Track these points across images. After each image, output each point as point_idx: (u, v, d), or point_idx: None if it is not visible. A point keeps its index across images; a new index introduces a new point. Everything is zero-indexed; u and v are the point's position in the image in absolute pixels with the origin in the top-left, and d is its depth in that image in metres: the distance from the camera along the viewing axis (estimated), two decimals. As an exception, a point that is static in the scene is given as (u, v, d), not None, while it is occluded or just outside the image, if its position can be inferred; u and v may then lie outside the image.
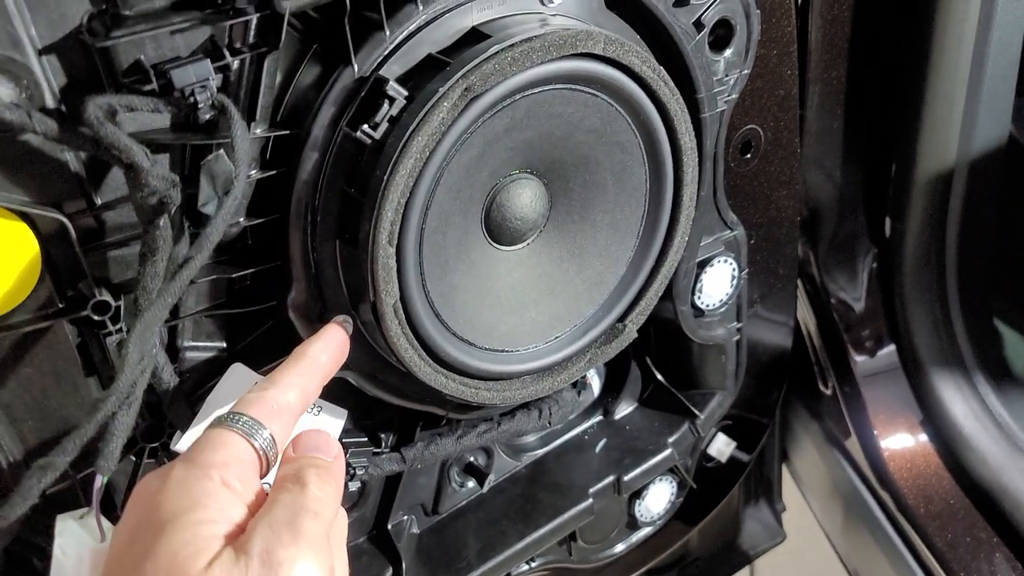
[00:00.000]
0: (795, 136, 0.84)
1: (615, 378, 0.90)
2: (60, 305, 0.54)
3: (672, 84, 0.64)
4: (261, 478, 0.48)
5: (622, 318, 0.72)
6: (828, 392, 1.15)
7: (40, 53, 0.49)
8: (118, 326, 0.56)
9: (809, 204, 1.03)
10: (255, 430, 0.48)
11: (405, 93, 0.55)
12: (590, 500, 0.83)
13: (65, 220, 0.52)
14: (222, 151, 0.52)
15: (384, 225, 0.55)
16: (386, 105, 0.54)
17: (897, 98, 0.98)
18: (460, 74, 0.54)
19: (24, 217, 0.51)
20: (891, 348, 1.11)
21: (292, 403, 0.51)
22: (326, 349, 0.55)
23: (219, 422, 0.48)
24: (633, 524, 0.94)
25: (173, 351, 0.60)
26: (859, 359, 1.10)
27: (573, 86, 0.60)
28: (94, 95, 0.48)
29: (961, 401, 1.07)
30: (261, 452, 0.48)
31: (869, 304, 1.10)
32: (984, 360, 1.07)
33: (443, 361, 0.63)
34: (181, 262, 0.50)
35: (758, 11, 0.71)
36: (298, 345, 0.55)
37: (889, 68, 0.97)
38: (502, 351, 0.67)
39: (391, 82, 0.54)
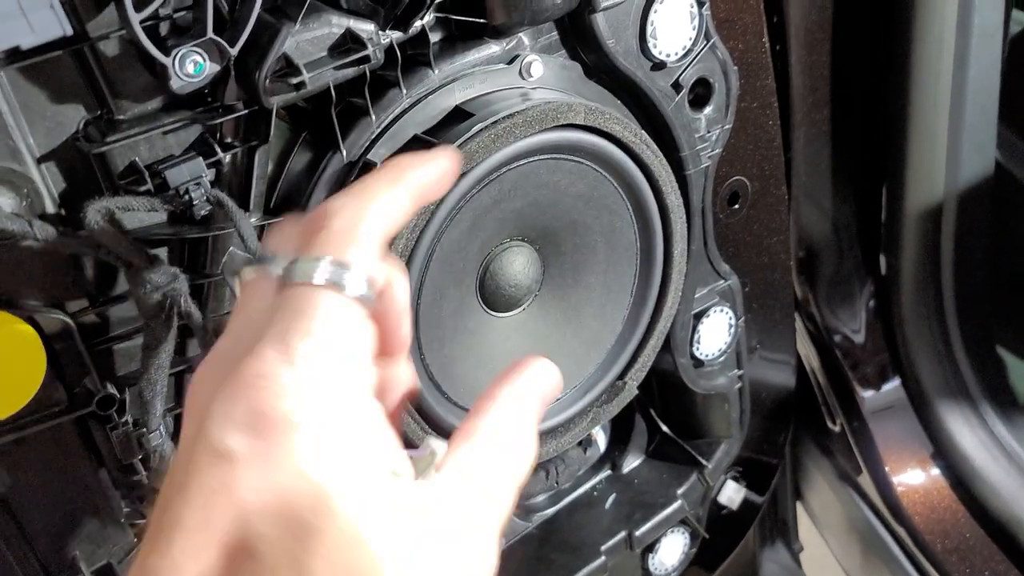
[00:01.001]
0: (782, 183, 0.85)
1: (621, 432, 0.91)
2: (66, 403, 0.55)
3: (654, 146, 0.65)
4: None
5: (622, 375, 0.72)
6: (837, 429, 1.14)
7: (39, 161, 0.51)
8: (124, 418, 0.56)
9: (804, 244, 1.04)
10: (343, 276, 0.33)
11: (393, 175, 0.56)
12: (603, 558, 0.83)
13: (69, 320, 0.53)
14: (233, 248, 0.53)
15: (380, 304, 0.56)
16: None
17: (882, 135, 0.99)
18: (446, 154, 0.56)
19: (28, 320, 0.52)
20: (896, 383, 1.11)
21: (382, 221, 0.36)
22: (427, 163, 0.39)
23: (288, 274, 0.34)
24: (648, 578, 0.93)
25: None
26: (865, 395, 1.10)
27: (557, 155, 0.62)
28: (92, 200, 0.49)
29: (969, 433, 1.06)
30: (361, 300, 0.34)
31: (871, 340, 1.10)
32: (989, 389, 1.07)
33: (445, 432, 0.64)
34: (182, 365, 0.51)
35: (735, 67, 0.73)
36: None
37: (871, 106, 0.99)
38: (504, 417, 0.67)
39: (379, 165, 0.56)
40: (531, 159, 0.60)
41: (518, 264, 0.65)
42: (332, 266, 0.34)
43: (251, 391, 0.31)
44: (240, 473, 0.31)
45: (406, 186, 0.38)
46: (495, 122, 0.57)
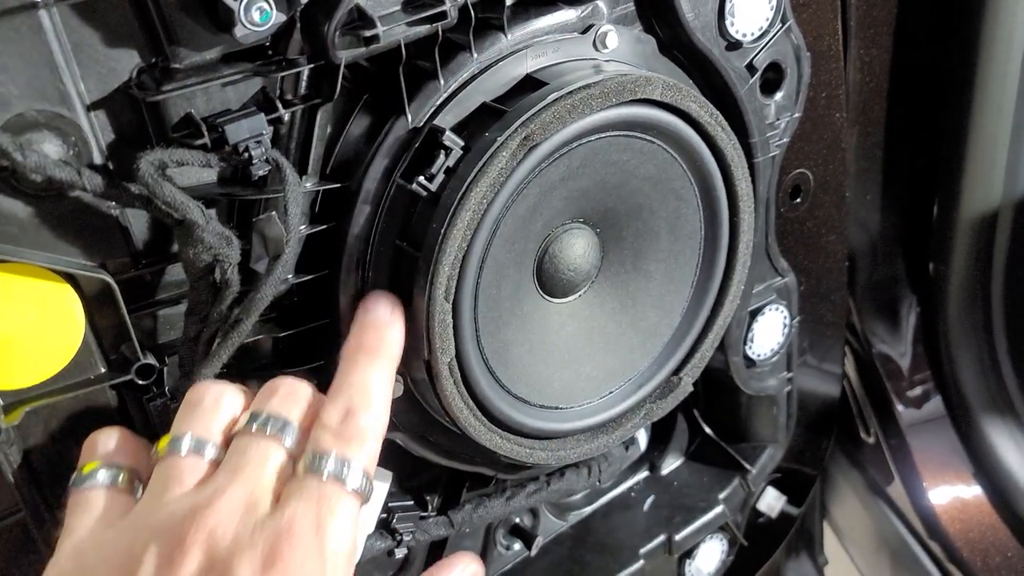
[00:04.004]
0: (843, 180, 0.82)
1: (661, 432, 0.87)
2: (103, 370, 0.52)
3: (729, 129, 0.62)
4: None
5: (677, 371, 0.69)
6: (871, 441, 1.11)
7: (89, 109, 0.47)
8: (163, 389, 0.53)
9: (847, 249, 1.01)
10: (344, 472, 0.44)
11: (462, 143, 0.53)
12: (641, 562, 0.80)
13: (111, 280, 0.50)
14: (274, 213, 0.50)
15: (441, 280, 0.52)
16: (442, 156, 0.52)
17: (939, 137, 0.96)
18: (519, 122, 0.52)
19: (68, 278, 0.49)
20: (936, 395, 1.07)
21: (382, 427, 0.48)
22: (391, 341, 0.51)
23: (315, 469, 0.44)
24: (683, 585, 0.90)
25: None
26: (903, 407, 1.07)
27: (630, 133, 0.58)
28: (146, 151, 0.46)
29: (1014, 449, 1.03)
30: (357, 495, 0.45)
31: (912, 350, 1.07)
32: (1036, 406, 1.04)
33: (497, 420, 0.60)
34: (232, 323, 0.48)
35: (808, 54, 0.70)
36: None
37: (930, 107, 0.95)
38: (556, 408, 0.64)
39: (447, 132, 0.52)
40: (604, 135, 0.57)
41: (578, 247, 0.61)
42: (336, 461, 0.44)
43: None
44: None
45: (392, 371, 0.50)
46: (571, 92, 0.54)
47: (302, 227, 0.54)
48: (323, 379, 0.59)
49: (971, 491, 1.04)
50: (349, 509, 0.44)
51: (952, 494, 1.04)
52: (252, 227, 0.50)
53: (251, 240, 0.52)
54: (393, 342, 0.49)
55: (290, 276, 0.55)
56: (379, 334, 0.49)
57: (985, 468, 1.04)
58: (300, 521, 0.41)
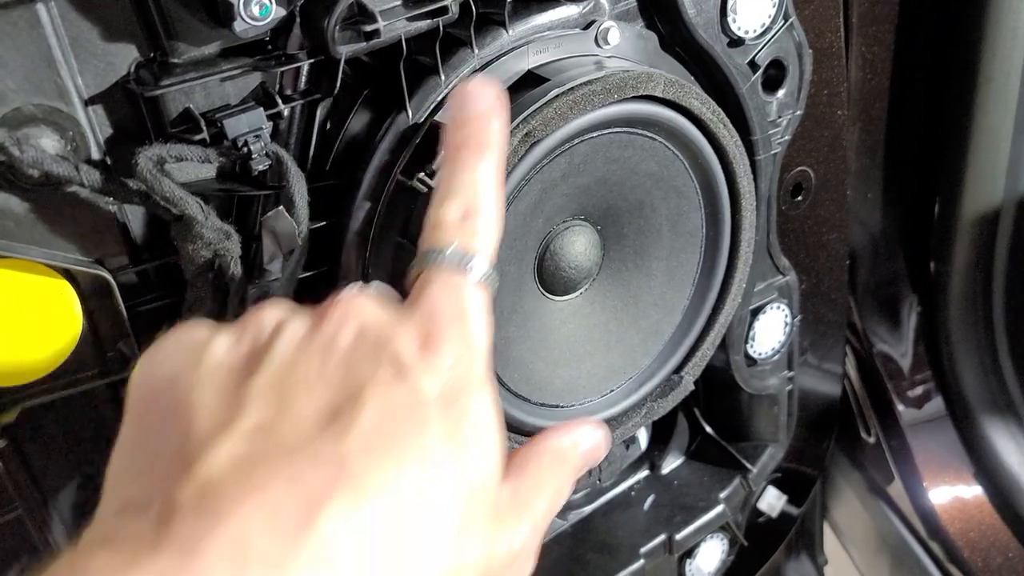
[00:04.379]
0: (845, 178, 0.81)
1: (662, 431, 0.87)
2: (99, 367, 0.51)
3: (731, 126, 0.61)
4: None
5: (678, 369, 0.68)
6: (871, 441, 1.11)
7: (87, 103, 0.47)
8: (160, 387, 0.53)
9: (848, 248, 1.01)
10: (468, 262, 0.39)
11: (462, 139, 0.52)
12: (642, 561, 0.79)
13: (108, 276, 0.49)
14: (282, 208, 0.49)
15: (441, 277, 0.52)
16: (442, 152, 0.52)
17: (940, 136, 0.96)
18: (521, 119, 0.52)
19: (65, 274, 0.49)
20: (937, 395, 1.07)
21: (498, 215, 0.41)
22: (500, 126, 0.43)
23: (455, 265, 0.39)
24: (682, 585, 0.89)
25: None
26: (904, 407, 1.06)
27: (631, 129, 0.58)
28: (144, 146, 0.46)
29: (1015, 449, 1.03)
30: (482, 284, 0.39)
31: (913, 350, 1.07)
32: (1037, 405, 1.03)
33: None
34: None
35: (810, 51, 0.69)
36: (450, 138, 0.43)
37: (931, 106, 0.95)
38: (557, 406, 0.63)
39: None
40: (605, 131, 0.56)
41: (579, 245, 0.61)
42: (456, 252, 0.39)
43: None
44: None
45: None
46: (572, 88, 0.53)
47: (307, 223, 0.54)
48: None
49: (972, 491, 1.04)
50: (482, 301, 0.39)
51: (953, 494, 1.04)
52: (261, 226, 0.50)
53: (250, 236, 0.52)
54: (499, 132, 0.43)
55: (299, 273, 0.55)
56: (483, 126, 0.42)
57: (986, 468, 1.03)
58: (441, 307, 0.37)
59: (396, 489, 0.32)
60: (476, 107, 0.42)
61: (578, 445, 0.41)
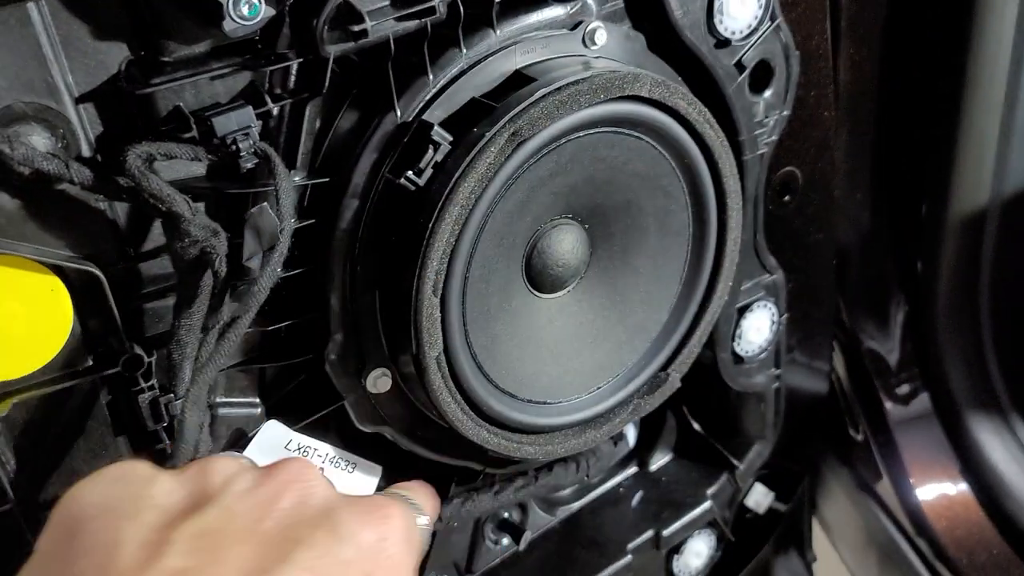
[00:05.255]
0: (832, 178, 0.82)
1: (650, 428, 0.87)
2: (90, 362, 0.52)
3: (717, 126, 0.62)
4: None
5: (665, 366, 0.69)
6: (859, 438, 1.12)
7: (77, 101, 0.47)
8: (150, 383, 0.53)
9: (836, 247, 1.02)
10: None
11: (450, 138, 0.53)
12: (629, 557, 0.80)
13: (99, 272, 0.50)
14: (266, 204, 0.50)
15: (429, 275, 0.53)
16: (431, 151, 0.53)
17: (928, 137, 0.97)
18: (507, 118, 0.52)
19: (56, 270, 0.49)
20: (924, 393, 1.08)
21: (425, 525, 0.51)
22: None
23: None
24: (670, 580, 0.90)
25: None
26: (891, 404, 1.07)
27: (618, 129, 0.58)
28: (133, 144, 0.46)
29: (1000, 446, 1.04)
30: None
31: (900, 349, 1.08)
32: (1022, 405, 1.04)
33: (485, 415, 0.60)
34: (228, 321, 0.48)
35: (797, 52, 0.70)
36: None
37: (919, 107, 0.96)
38: (544, 403, 0.64)
39: (436, 127, 0.53)
40: (592, 131, 0.57)
41: (567, 243, 0.62)
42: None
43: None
44: None
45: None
46: (559, 88, 0.54)
47: (291, 220, 0.54)
48: (310, 371, 0.60)
49: (958, 488, 1.04)
50: (417, 541, 0.46)
51: (939, 491, 1.05)
52: (245, 223, 0.50)
53: (242, 235, 0.52)
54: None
55: (279, 270, 0.55)
56: None
57: (972, 465, 1.04)
58: (396, 508, 0.44)
59: None
60: None
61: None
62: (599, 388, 0.67)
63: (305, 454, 0.58)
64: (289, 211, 0.48)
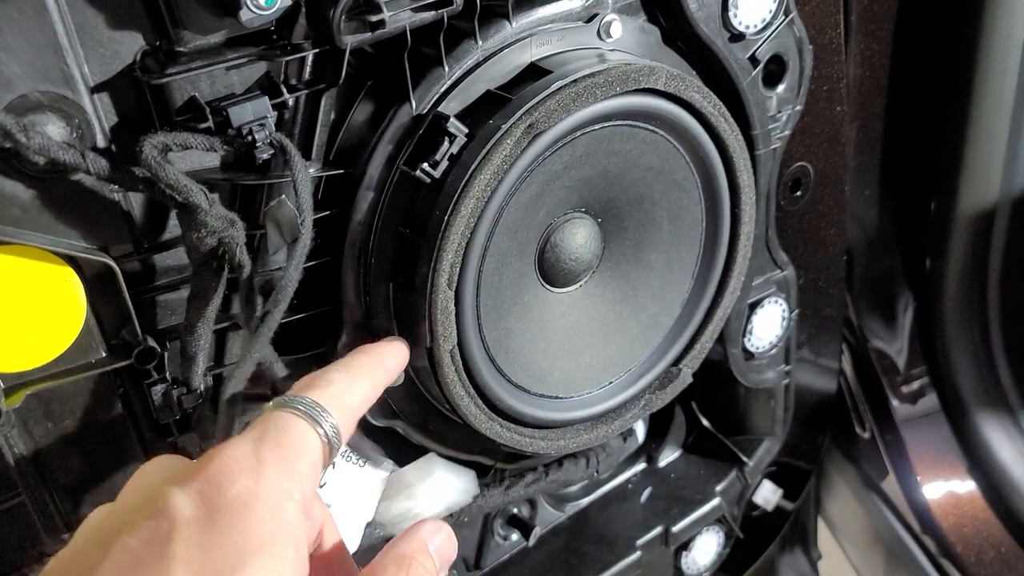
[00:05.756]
0: (843, 174, 0.82)
1: (659, 424, 0.87)
2: (104, 354, 0.52)
3: (731, 120, 0.62)
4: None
5: (677, 362, 0.69)
6: (866, 436, 1.11)
7: (92, 91, 0.47)
8: (163, 374, 0.53)
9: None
10: (321, 417, 0.42)
11: (466, 130, 0.53)
12: (638, 553, 0.80)
13: (113, 264, 0.49)
14: (284, 196, 0.50)
15: (444, 267, 0.52)
16: (446, 143, 0.52)
17: (937, 134, 0.96)
18: (524, 110, 0.52)
19: (70, 261, 0.49)
20: (932, 391, 1.08)
21: (358, 399, 0.46)
22: (393, 354, 0.51)
23: (281, 403, 0.42)
24: (679, 577, 0.90)
25: (217, 400, 0.58)
26: (898, 403, 1.07)
27: (633, 122, 0.58)
28: (150, 134, 0.46)
29: (1008, 444, 1.03)
30: (325, 441, 0.42)
31: (908, 346, 1.07)
32: (1030, 402, 1.04)
33: (498, 409, 0.60)
34: (261, 315, 0.48)
35: (811, 47, 0.70)
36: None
37: (929, 103, 0.95)
38: (556, 398, 0.64)
39: (451, 119, 0.52)
40: (607, 124, 0.57)
41: (580, 237, 0.61)
42: (315, 407, 0.42)
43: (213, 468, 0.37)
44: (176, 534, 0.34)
45: (382, 377, 0.50)
46: (575, 80, 0.53)
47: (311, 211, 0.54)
48: (323, 364, 0.59)
49: (965, 486, 1.04)
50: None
51: (946, 489, 1.05)
52: (265, 216, 0.50)
53: (254, 224, 0.52)
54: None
55: (304, 262, 0.55)
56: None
57: (979, 463, 1.04)
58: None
59: None
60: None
61: (424, 543, 0.44)
62: (611, 383, 0.66)
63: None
64: (309, 202, 0.48)
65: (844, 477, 1.15)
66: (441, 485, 0.66)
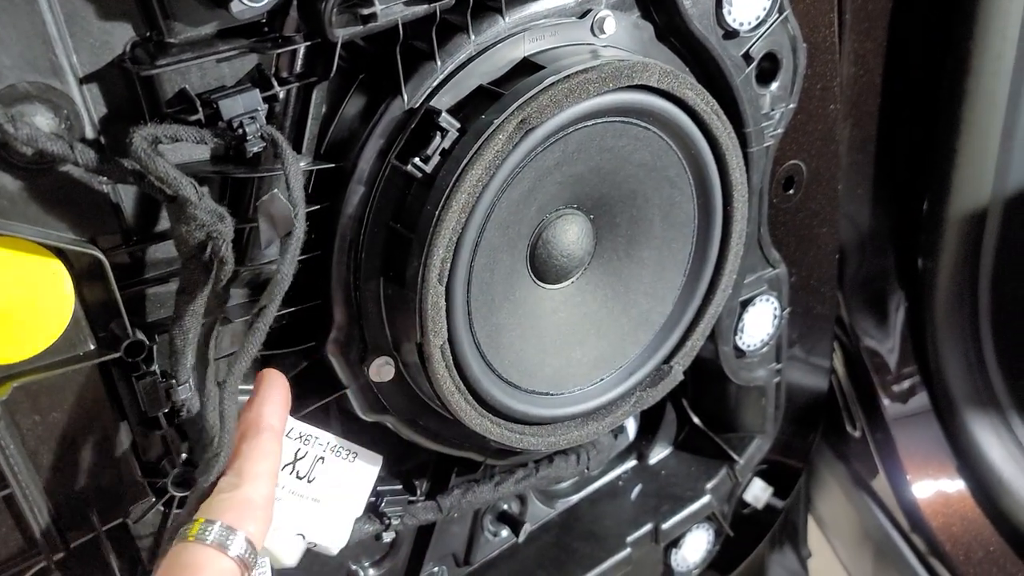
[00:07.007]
0: (836, 172, 0.82)
1: (650, 421, 0.87)
2: (92, 346, 0.51)
3: (724, 118, 0.62)
4: None
5: (668, 359, 0.69)
6: (856, 434, 1.12)
7: (81, 82, 0.46)
8: (152, 368, 0.53)
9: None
10: (229, 539, 0.44)
11: (458, 125, 0.52)
12: (628, 550, 0.80)
13: (101, 256, 0.49)
14: (276, 190, 0.49)
15: (435, 262, 0.52)
16: (438, 137, 0.52)
17: (930, 133, 0.96)
18: (516, 105, 0.52)
19: (58, 253, 0.48)
20: (922, 390, 1.08)
21: (265, 494, 0.48)
22: (276, 412, 0.52)
23: (185, 536, 0.44)
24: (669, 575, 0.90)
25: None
26: (889, 401, 1.07)
27: (626, 119, 0.58)
28: (139, 126, 0.45)
29: (997, 443, 1.04)
30: (239, 561, 0.44)
31: (900, 345, 1.08)
32: (1020, 401, 1.04)
33: (488, 405, 0.60)
34: (256, 311, 0.48)
35: (804, 45, 0.70)
36: (244, 412, 0.51)
37: (922, 103, 0.95)
38: (547, 394, 0.64)
39: (443, 113, 0.52)
40: (599, 120, 0.57)
41: (572, 233, 0.61)
42: (222, 532, 0.44)
43: None
44: None
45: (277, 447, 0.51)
46: (568, 76, 0.53)
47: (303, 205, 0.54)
48: (312, 358, 0.59)
49: (954, 485, 1.05)
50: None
51: (935, 488, 1.05)
52: (257, 211, 0.49)
53: (243, 218, 0.52)
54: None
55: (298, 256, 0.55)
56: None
57: (969, 462, 1.04)
58: None
59: None
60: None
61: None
62: (602, 380, 0.66)
63: (306, 443, 0.57)
64: (301, 196, 0.48)
65: (834, 475, 1.16)
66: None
